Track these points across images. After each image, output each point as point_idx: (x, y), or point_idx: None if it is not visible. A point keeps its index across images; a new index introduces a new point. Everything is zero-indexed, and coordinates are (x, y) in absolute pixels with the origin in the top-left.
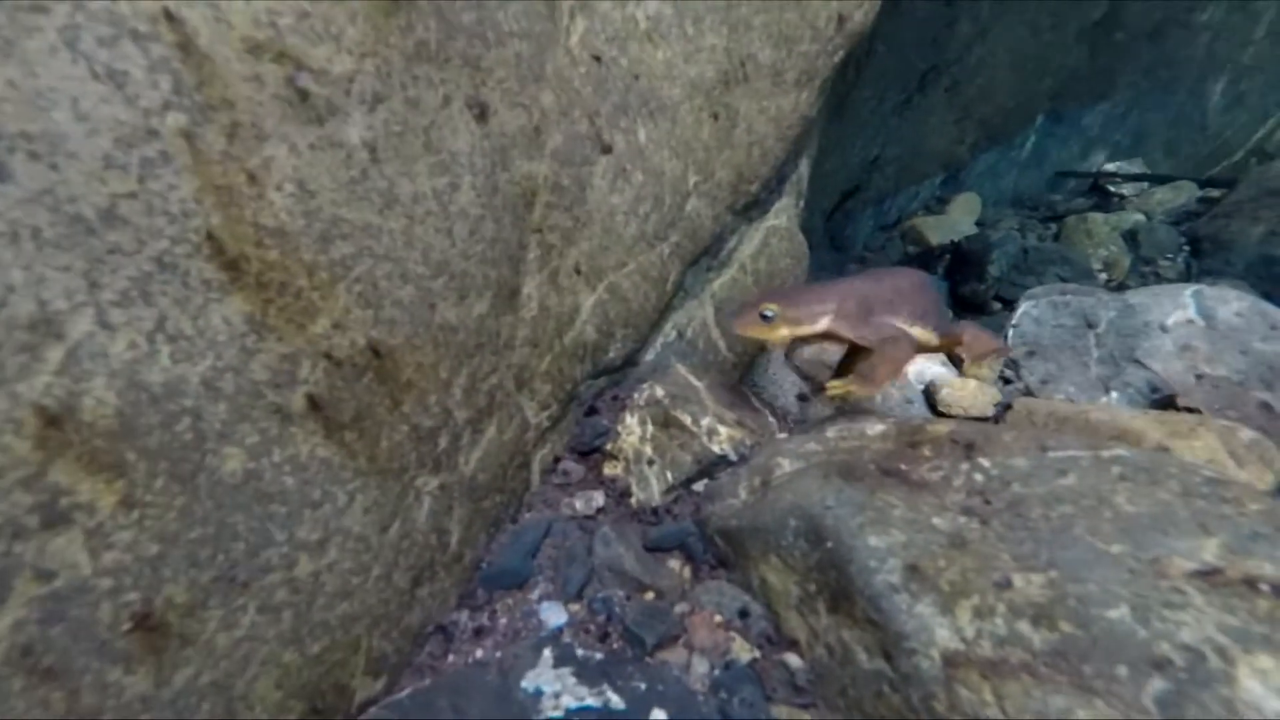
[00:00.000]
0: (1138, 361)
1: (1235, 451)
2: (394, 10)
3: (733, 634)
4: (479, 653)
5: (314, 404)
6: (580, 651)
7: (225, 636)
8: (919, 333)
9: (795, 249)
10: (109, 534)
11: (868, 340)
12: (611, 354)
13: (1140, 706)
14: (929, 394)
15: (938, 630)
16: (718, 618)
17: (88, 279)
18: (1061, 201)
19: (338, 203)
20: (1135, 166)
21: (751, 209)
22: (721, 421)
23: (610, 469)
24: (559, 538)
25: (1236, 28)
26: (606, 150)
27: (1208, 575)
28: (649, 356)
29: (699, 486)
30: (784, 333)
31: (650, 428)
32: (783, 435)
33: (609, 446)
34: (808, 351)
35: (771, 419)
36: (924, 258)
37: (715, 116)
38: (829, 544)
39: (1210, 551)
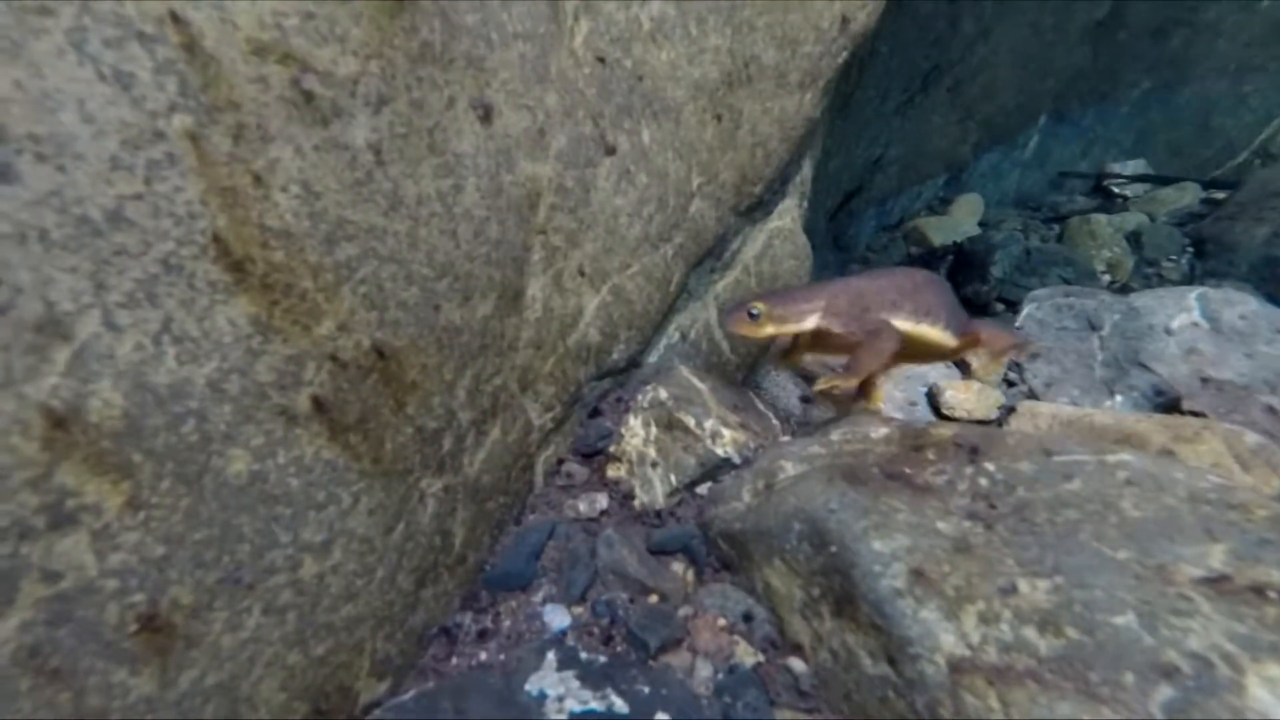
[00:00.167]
0: (1142, 365)
1: (1241, 456)
2: (398, 12)
3: (736, 638)
4: (482, 655)
5: (319, 405)
6: (584, 654)
7: (230, 638)
8: (927, 330)
9: (799, 250)
10: (115, 535)
11: (855, 334)
12: (615, 356)
13: (1147, 714)
14: (932, 396)
15: (943, 636)
16: (721, 621)
17: (94, 280)
18: (1064, 202)
19: (342, 204)
20: (1139, 167)
21: (755, 210)
22: (725, 424)
23: (613, 471)
24: (562, 540)
25: (1241, 27)
26: (610, 152)
27: (1215, 582)
28: (652, 358)
29: (702, 489)
30: (769, 330)
31: (654, 430)
32: (786, 438)
33: (612, 448)
34: (809, 356)
35: (775, 421)
36: (927, 258)
37: (719, 118)
38: (833, 548)
39: (1217, 558)
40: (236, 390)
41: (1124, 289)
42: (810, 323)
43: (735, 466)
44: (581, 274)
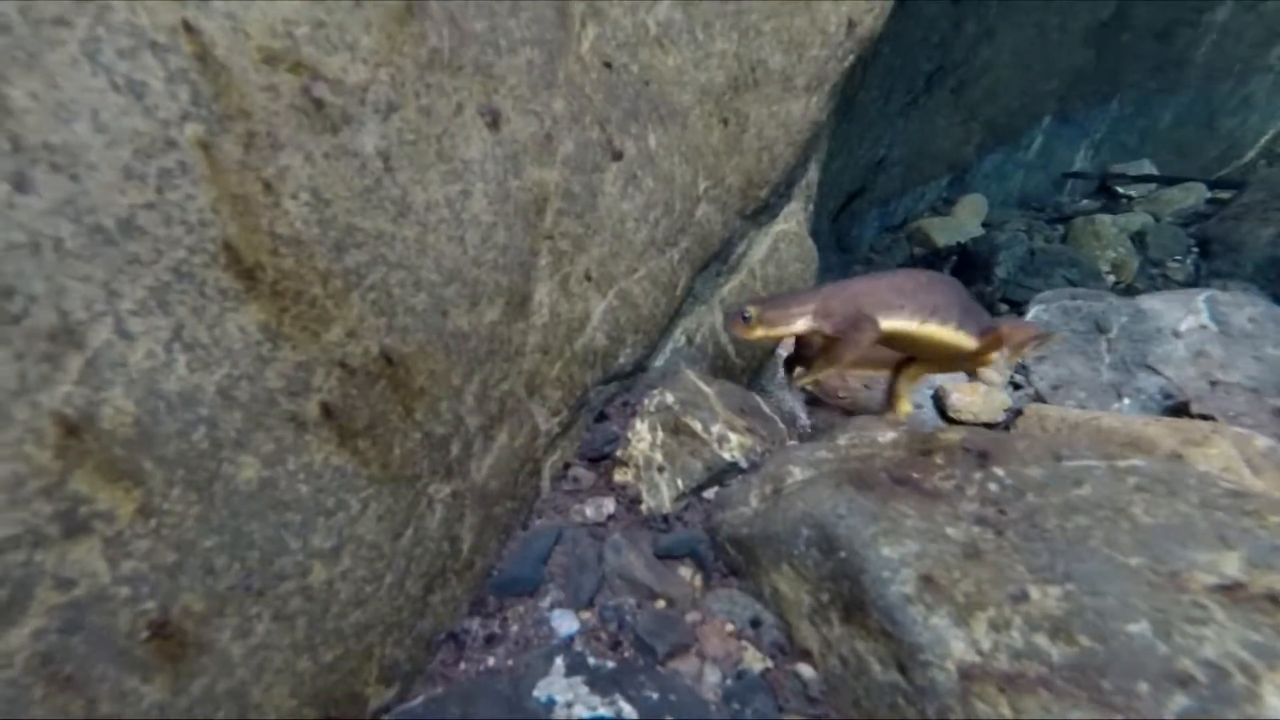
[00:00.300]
0: (1150, 367)
1: (1251, 459)
2: (408, 19)
3: (744, 643)
4: (490, 661)
5: (328, 412)
6: (592, 660)
7: (240, 645)
8: (935, 330)
9: (804, 253)
10: (127, 543)
11: (841, 332)
12: (621, 360)
13: None
14: (938, 399)
15: (953, 643)
16: (729, 627)
17: (107, 289)
18: (1069, 203)
19: (352, 211)
20: (1143, 167)
21: (761, 214)
22: (732, 428)
23: (620, 476)
24: (569, 545)
25: (1246, 28)
26: (617, 156)
27: (1229, 590)
28: (659, 362)
29: (710, 494)
30: (759, 333)
31: (660, 434)
32: (793, 442)
33: (619, 453)
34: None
35: (782, 426)
36: (930, 259)
37: (725, 122)
38: (842, 553)
39: (1231, 565)
40: (246, 397)
41: (1129, 290)
42: (800, 325)
43: (742, 471)
44: (588, 279)
